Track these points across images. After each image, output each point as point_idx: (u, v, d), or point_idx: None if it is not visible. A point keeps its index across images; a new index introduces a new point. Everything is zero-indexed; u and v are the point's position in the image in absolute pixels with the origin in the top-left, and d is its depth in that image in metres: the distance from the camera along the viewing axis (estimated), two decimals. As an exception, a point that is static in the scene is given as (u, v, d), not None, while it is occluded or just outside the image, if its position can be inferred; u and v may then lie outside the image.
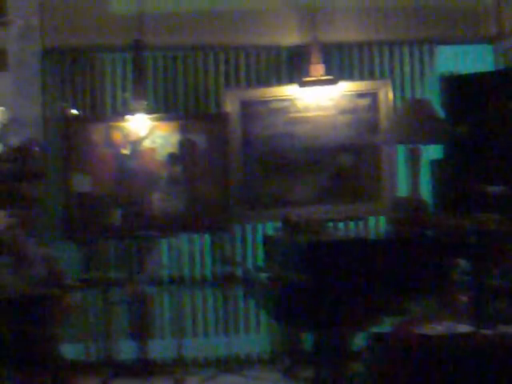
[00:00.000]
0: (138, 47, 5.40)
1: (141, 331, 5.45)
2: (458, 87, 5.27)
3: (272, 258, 4.73)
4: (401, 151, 5.40)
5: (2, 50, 5.39)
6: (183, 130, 5.38)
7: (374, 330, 3.68)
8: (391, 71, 5.72)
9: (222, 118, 5.48)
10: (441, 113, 5.15)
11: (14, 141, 5.23)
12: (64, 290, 4.49)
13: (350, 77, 5.64)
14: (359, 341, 4.03)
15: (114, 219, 5.31)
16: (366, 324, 3.87)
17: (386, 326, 3.76)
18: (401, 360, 3.19)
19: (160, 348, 5.50)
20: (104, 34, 5.52)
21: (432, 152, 5.42)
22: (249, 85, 5.67)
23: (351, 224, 5.53)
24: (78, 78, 5.58)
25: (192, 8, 5.63)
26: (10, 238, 4.52)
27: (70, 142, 5.35)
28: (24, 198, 5.16)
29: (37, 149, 5.21)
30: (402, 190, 5.36)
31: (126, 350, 5.45)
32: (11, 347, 4.18)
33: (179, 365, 5.39)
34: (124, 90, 5.63)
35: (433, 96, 5.50)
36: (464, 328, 3.37)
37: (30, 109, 5.38)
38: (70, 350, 4.90)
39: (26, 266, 4.44)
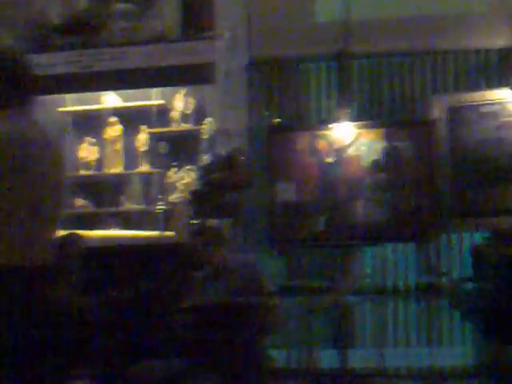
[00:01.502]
0: (342, 55, 5.64)
1: (342, 340, 5.58)
2: None
3: (481, 269, 4.79)
4: None
5: (210, 63, 5.82)
6: (388, 137, 5.49)
7: None
8: None
9: (428, 125, 5.53)
10: None
11: (222, 151, 5.65)
12: (266, 297, 4.63)
13: None
14: None
15: (317, 227, 5.52)
16: None
17: None
18: None
19: (361, 357, 5.66)
20: (309, 43, 5.78)
21: None
22: (457, 89, 5.75)
23: None
24: (283, 87, 5.92)
25: (397, 14, 5.81)
26: (211, 246, 4.75)
27: (274, 150, 5.64)
28: (230, 207, 5.64)
29: (243, 158, 5.67)
30: None
31: (327, 359, 5.66)
32: (217, 354, 4.42)
33: (380, 375, 5.57)
34: (328, 98, 5.91)
35: None
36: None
37: (236, 119, 5.77)
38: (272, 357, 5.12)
39: (226, 275, 4.65)
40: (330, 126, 5.62)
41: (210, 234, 4.83)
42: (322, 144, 5.58)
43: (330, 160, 5.56)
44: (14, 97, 2.70)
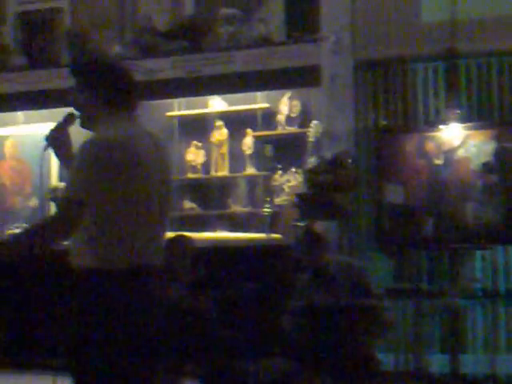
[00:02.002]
0: (450, 55, 5.60)
1: (452, 345, 5.55)
2: None
3: None
4: None
5: (316, 66, 5.92)
6: (499, 138, 5.39)
7: None
8: None
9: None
10: None
11: (328, 153, 5.74)
12: (375, 300, 4.65)
13: None
14: None
15: (426, 230, 5.48)
16: None
17: None
18: None
19: (472, 363, 5.62)
20: (415, 43, 5.79)
21: None
22: None
23: None
24: (390, 89, 5.91)
25: (505, 12, 5.72)
26: (316, 249, 4.79)
27: (382, 153, 5.65)
28: (337, 209, 5.73)
29: (349, 161, 5.75)
30: None
31: (437, 363, 5.65)
32: (326, 356, 4.50)
33: (491, 381, 5.52)
34: (436, 99, 5.84)
35: None
36: None
37: (342, 121, 5.83)
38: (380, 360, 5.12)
39: (332, 277, 4.68)
40: (438, 127, 5.59)
41: (315, 237, 4.87)
42: (430, 146, 5.55)
43: (438, 162, 5.52)
44: (121, 102, 2.80)
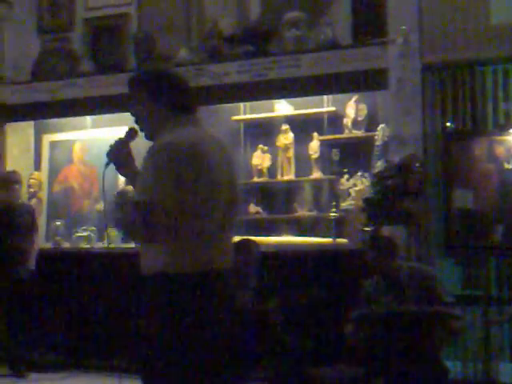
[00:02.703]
0: None
1: None
2: None
3: None
4: None
5: (383, 69, 5.97)
6: None
7: None
8: None
9: None
10: None
11: (395, 157, 5.76)
12: (445, 307, 4.66)
13: None
14: None
15: (495, 235, 5.48)
16: None
17: None
18: None
19: None
20: (484, 46, 5.78)
21: None
22: None
23: None
24: (458, 92, 5.89)
25: None
26: (384, 254, 4.81)
27: (450, 157, 5.66)
28: (405, 214, 5.76)
29: (417, 165, 5.78)
30: None
31: (506, 372, 5.61)
32: (394, 363, 4.49)
33: None
34: (506, 102, 5.82)
35: None
36: None
37: (410, 125, 5.84)
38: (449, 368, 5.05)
39: (400, 283, 4.71)
40: (508, 130, 5.59)
41: (383, 242, 4.91)
42: (500, 150, 5.55)
43: (509, 166, 5.52)
44: (181, 108, 2.94)
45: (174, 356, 2.74)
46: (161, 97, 2.93)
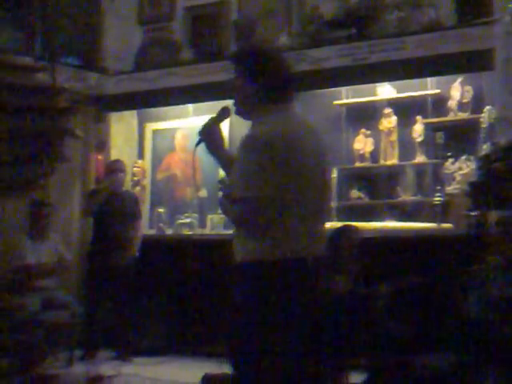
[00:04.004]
0: None
1: None
2: None
3: None
4: None
5: (489, 49, 5.94)
6: None
7: None
8: None
9: None
10: None
11: (502, 140, 5.63)
12: None
13: None
14: None
15: None
16: None
17: None
18: None
19: None
20: None
21: None
22: None
23: None
24: None
25: None
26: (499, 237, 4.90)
27: None
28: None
29: (525, 147, 5.76)
30: None
31: None
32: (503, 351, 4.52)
33: None
34: None
35: None
36: None
37: None
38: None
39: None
40: None
41: (495, 226, 4.97)
42: None
43: None
44: (280, 93, 3.01)
45: (266, 343, 2.86)
46: (260, 76, 3.00)
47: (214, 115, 3.13)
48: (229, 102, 3.15)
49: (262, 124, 2.93)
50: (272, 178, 2.82)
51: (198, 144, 3.10)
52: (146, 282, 7.21)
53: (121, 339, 7.05)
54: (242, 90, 3.04)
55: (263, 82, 2.99)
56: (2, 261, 6.92)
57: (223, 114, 3.12)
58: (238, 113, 3.08)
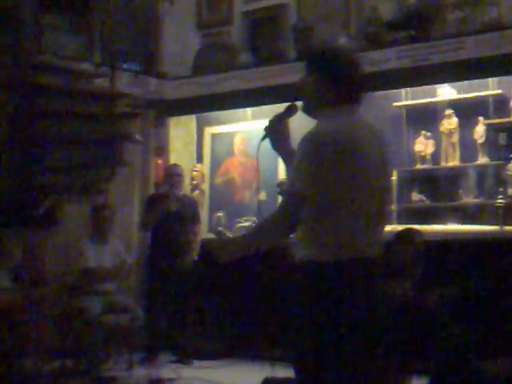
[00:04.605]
0: None
1: None
2: None
3: None
4: None
5: None
6: None
7: None
8: None
9: None
10: None
11: None
12: None
13: None
14: None
15: None
16: None
17: None
18: None
19: None
20: None
21: None
22: None
23: None
24: None
25: None
26: None
27: None
28: None
29: None
30: None
31: None
32: None
33: None
34: None
35: None
36: None
37: None
38: None
39: None
40: None
41: None
42: None
43: None
44: (348, 95, 2.99)
45: (325, 345, 2.85)
46: (333, 77, 3.00)
47: (281, 111, 3.14)
48: (288, 105, 3.17)
49: (325, 123, 2.95)
50: (326, 176, 2.84)
51: (263, 139, 3.13)
52: (207, 286, 7.29)
53: (180, 343, 7.13)
54: (312, 89, 3.05)
55: (336, 83, 3.00)
56: (65, 265, 7.08)
57: (290, 110, 3.14)
58: (305, 111, 3.10)
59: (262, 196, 7.51)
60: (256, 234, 3.01)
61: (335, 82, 3.00)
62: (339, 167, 2.84)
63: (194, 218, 7.28)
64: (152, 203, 7.18)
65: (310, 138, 2.89)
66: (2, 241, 6.36)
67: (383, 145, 3.05)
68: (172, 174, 7.27)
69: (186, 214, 7.19)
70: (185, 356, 7.07)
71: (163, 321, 7.17)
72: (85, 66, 6.94)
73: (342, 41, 7.09)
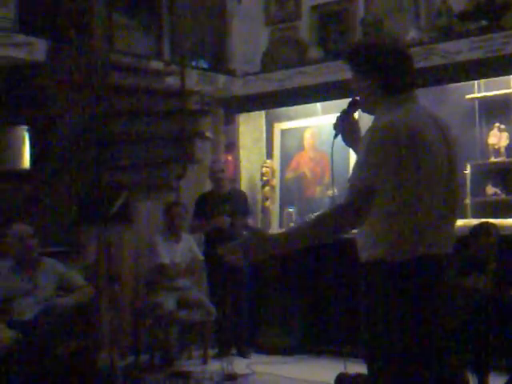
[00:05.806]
0: None
1: None
2: None
3: None
4: None
5: None
6: None
7: None
8: None
9: None
10: None
11: None
12: None
13: None
14: None
15: None
16: None
17: None
18: None
19: None
20: None
21: None
22: None
23: None
24: None
25: None
26: None
27: None
28: None
29: None
30: None
31: None
32: None
33: None
34: None
35: None
36: None
37: None
38: None
39: None
40: None
41: None
42: None
43: None
44: (398, 85, 2.95)
45: (395, 341, 2.83)
46: (369, 71, 2.98)
47: (346, 107, 3.17)
48: (350, 100, 3.18)
49: (384, 116, 2.92)
50: (391, 170, 2.79)
51: (335, 137, 3.16)
52: (282, 282, 7.38)
53: (240, 336, 7.26)
54: (357, 87, 3.04)
55: (373, 77, 2.97)
56: (139, 262, 7.22)
57: (354, 105, 3.15)
58: (362, 108, 3.12)
59: (333, 191, 7.49)
60: (315, 226, 2.87)
61: (373, 75, 2.97)
62: (405, 160, 2.79)
63: (246, 211, 7.42)
64: (200, 205, 7.34)
65: (375, 131, 2.86)
66: (77, 239, 6.52)
67: (450, 136, 2.99)
68: (215, 172, 7.40)
69: (237, 208, 7.34)
70: (244, 349, 7.17)
71: (233, 316, 7.29)
72: (155, 65, 7.06)
73: (412, 33, 7.04)
